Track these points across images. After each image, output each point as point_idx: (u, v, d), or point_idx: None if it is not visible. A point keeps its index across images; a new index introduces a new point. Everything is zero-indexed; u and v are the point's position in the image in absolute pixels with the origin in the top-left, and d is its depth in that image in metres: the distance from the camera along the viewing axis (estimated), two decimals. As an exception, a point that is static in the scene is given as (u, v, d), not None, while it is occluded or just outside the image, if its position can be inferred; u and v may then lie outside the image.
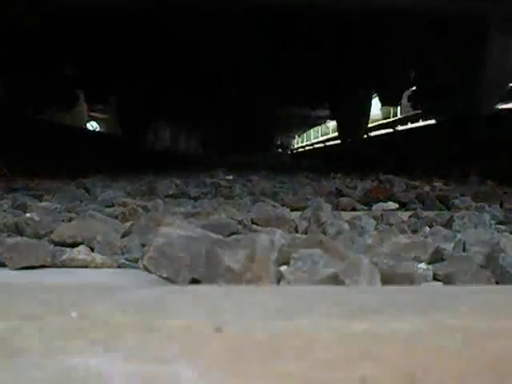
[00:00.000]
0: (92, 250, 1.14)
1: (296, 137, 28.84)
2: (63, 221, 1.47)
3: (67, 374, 0.39)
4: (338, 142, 14.11)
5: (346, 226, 1.35)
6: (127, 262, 1.07)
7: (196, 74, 7.52)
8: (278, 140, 24.35)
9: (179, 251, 0.87)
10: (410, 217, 1.59)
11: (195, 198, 2.27)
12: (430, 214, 1.64)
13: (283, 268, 0.88)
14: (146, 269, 0.89)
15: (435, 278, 0.93)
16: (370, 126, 12.59)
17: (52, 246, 1.15)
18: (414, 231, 1.35)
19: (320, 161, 8.75)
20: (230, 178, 3.95)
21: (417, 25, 5.01)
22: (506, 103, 5.74)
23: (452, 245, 1.08)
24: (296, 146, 27.55)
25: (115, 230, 1.30)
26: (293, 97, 9.56)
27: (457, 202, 2.00)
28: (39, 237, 1.27)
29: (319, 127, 27.03)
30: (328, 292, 0.64)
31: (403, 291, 0.67)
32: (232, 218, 1.49)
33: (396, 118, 14.12)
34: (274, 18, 5.31)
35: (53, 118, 7.96)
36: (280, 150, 23.82)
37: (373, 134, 10.78)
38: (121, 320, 0.51)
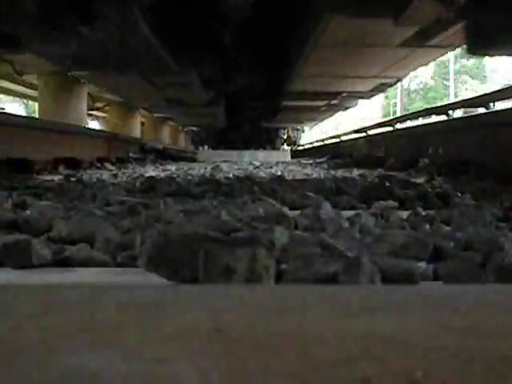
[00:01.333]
0: (92, 247, 1.14)
1: (306, 129, 22.45)
2: (63, 218, 1.46)
3: (67, 374, 0.39)
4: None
5: (346, 224, 1.35)
6: (127, 260, 1.07)
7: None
8: (284, 133, 19.11)
9: (179, 250, 0.87)
10: (409, 215, 1.59)
11: (195, 196, 2.27)
12: (430, 212, 1.64)
13: (283, 267, 0.88)
14: (146, 268, 0.89)
15: (435, 277, 0.93)
16: (368, 125, 11.58)
17: (52, 244, 1.16)
18: (414, 229, 1.35)
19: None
20: (230, 176, 3.95)
21: None
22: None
23: (452, 244, 1.08)
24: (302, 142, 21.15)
25: (115, 228, 1.30)
26: None
27: (456, 199, 2.00)
28: (39, 235, 1.27)
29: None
30: (328, 291, 0.64)
31: (403, 290, 0.67)
32: (232, 216, 1.49)
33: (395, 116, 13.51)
34: None
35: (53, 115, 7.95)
36: (287, 146, 18.95)
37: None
38: (120, 319, 0.51)
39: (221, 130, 15.88)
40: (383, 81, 8.35)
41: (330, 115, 14.81)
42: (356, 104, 11.73)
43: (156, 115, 14.13)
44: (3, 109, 11.48)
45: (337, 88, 9.15)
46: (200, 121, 14.60)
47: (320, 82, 8.45)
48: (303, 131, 21.05)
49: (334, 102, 10.64)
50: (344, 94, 9.74)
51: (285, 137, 19.25)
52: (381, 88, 9.03)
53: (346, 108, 12.44)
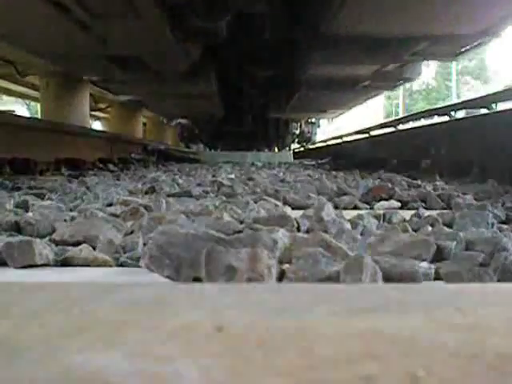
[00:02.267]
0: (94, 248, 1.14)
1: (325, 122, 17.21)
2: (65, 220, 1.47)
3: (68, 373, 0.39)
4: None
5: (348, 225, 1.35)
6: (129, 261, 1.07)
7: None
8: (296, 127, 14.73)
9: (181, 250, 0.87)
10: (411, 216, 1.59)
11: (197, 197, 2.27)
12: (432, 212, 1.63)
13: (285, 267, 0.88)
14: (148, 267, 0.89)
15: (437, 277, 0.93)
16: (371, 126, 10.85)
17: (54, 245, 1.16)
18: (416, 230, 1.35)
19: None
20: (232, 176, 3.95)
21: None
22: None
23: (454, 243, 1.08)
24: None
25: (117, 229, 1.30)
26: None
27: (459, 200, 2.00)
28: (41, 236, 1.27)
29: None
30: (329, 290, 0.64)
31: (405, 290, 0.67)
32: (234, 217, 1.49)
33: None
34: None
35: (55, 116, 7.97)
36: (298, 143, 15.35)
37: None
38: (122, 319, 0.51)
39: (217, 122, 12.63)
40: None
41: (368, 98, 9.60)
42: (419, 74, 6.98)
43: (122, 98, 9.84)
44: (13, 111, 11.43)
45: (420, 27, 4.66)
46: (185, 107, 10.31)
47: (389, 12, 4.15)
48: (319, 126, 15.92)
49: (389, 67, 6.15)
50: (422, 46, 5.12)
51: (297, 132, 14.88)
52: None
53: (401, 82, 7.31)
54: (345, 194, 2.31)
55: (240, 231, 1.30)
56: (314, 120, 14.95)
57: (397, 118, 10.82)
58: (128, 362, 0.41)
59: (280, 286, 0.78)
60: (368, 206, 2.07)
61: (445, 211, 1.72)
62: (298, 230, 1.41)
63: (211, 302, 0.57)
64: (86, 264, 1.05)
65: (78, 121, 8.27)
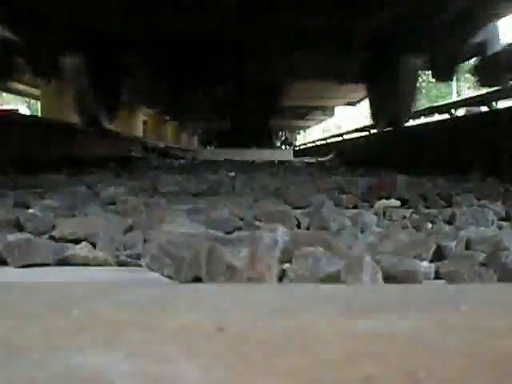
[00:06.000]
0: (94, 246, 1.14)
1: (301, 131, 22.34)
2: (65, 217, 1.46)
3: (68, 373, 0.39)
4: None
5: (348, 223, 1.35)
6: (129, 260, 1.07)
7: None
8: (281, 134, 18.51)
9: (181, 249, 0.87)
10: (411, 213, 1.58)
11: (197, 195, 2.27)
12: (432, 211, 1.63)
13: (285, 266, 0.88)
14: (149, 267, 0.89)
15: (437, 276, 0.93)
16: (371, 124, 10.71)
17: (54, 243, 1.16)
18: (416, 228, 1.35)
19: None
20: (232, 174, 3.94)
21: None
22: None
23: (454, 242, 1.08)
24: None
25: (117, 227, 1.30)
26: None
27: (459, 198, 2.00)
28: (41, 234, 1.27)
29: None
30: (330, 290, 0.64)
31: (405, 289, 0.67)
32: (234, 215, 1.49)
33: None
34: None
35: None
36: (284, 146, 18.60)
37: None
38: (122, 319, 0.51)
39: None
40: None
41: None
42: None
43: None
44: (17, 110, 11.33)
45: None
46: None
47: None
48: (299, 133, 20.77)
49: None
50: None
51: (282, 137, 18.61)
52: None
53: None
54: (345, 192, 2.31)
55: (240, 228, 1.30)
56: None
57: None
58: (128, 362, 0.41)
59: (280, 286, 0.78)
60: (368, 204, 2.07)
61: (445, 209, 1.72)
62: (299, 227, 1.41)
63: (211, 302, 0.57)
64: (87, 263, 1.05)
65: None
